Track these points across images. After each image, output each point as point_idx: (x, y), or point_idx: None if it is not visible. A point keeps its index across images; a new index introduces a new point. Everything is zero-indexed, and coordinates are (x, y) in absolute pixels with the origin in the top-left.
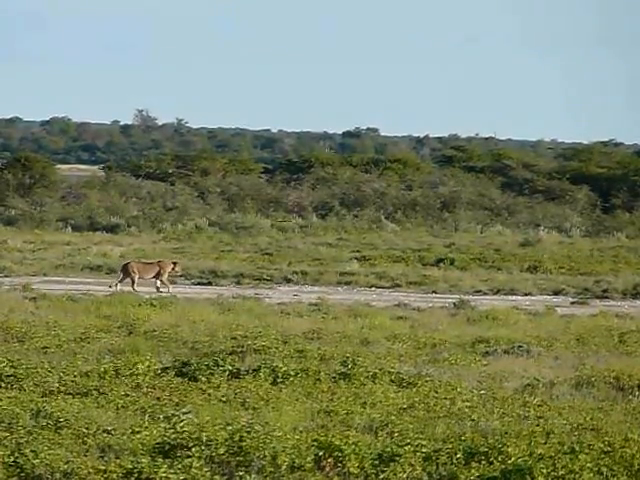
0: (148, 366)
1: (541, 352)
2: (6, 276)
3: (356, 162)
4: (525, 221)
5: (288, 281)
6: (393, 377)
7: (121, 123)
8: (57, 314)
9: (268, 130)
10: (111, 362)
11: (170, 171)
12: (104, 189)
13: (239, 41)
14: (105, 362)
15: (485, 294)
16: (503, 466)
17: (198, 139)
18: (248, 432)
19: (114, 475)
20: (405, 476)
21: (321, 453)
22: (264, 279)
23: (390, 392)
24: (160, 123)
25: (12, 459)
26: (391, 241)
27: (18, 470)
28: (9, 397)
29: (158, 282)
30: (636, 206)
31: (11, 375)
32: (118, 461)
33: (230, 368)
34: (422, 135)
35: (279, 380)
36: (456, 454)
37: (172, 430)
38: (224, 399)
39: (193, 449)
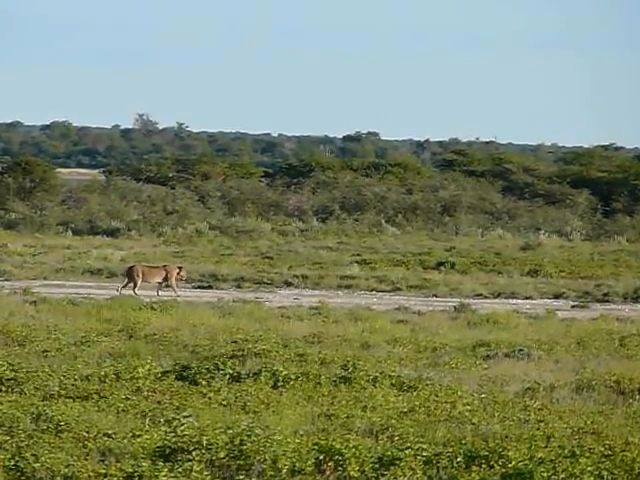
0: (149, 370)
1: (542, 356)
2: (6, 280)
3: (357, 166)
4: (526, 225)
5: (288, 285)
6: (394, 381)
7: (121, 127)
8: (57, 318)
9: (268, 134)
10: (111, 366)
11: (170, 175)
12: (104, 193)
13: (239, 45)
14: (105, 366)
15: (486, 298)
16: (504, 470)
17: (198, 143)
18: (248, 436)
19: (115, 479)
20: None
21: (321, 457)
22: (264, 283)
23: (390, 396)
24: (160, 127)
25: (13, 463)
26: (391, 245)
27: (19, 474)
28: (9, 401)
29: (167, 286)
30: (637, 210)
31: (11, 379)
32: (119, 465)
33: (230, 372)
34: (423, 139)
35: (279, 384)
36: (457, 458)
37: (173, 434)
38: (224, 403)
39: (194, 453)
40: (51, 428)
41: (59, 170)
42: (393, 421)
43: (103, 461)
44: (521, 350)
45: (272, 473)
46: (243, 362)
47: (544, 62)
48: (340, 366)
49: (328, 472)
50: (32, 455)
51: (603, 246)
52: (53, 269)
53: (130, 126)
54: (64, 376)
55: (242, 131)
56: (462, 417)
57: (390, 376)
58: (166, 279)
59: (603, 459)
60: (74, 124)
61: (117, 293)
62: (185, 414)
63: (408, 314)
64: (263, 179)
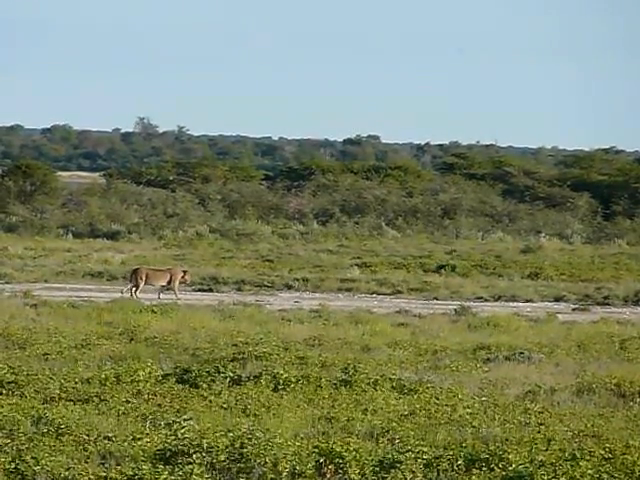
0: (149, 373)
1: (542, 359)
2: (7, 283)
3: (357, 169)
4: (526, 228)
5: (289, 288)
6: (394, 384)
7: (122, 131)
8: (58, 321)
9: (269, 137)
10: (112, 369)
11: (171, 178)
12: (105, 196)
13: (240, 48)
14: (106, 369)
15: (486, 301)
16: (504, 473)
17: (199, 146)
18: (249, 439)
19: None
20: None
21: (322, 460)
22: (265, 286)
23: (391, 399)
24: (161, 131)
25: (13, 466)
26: (392, 248)
27: (19, 477)
28: (10, 404)
29: (169, 289)
30: (637, 213)
31: (12, 382)
32: (119, 468)
33: (231, 375)
34: (423, 142)
35: (280, 387)
36: (457, 461)
37: (173, 437)
38: (225, 406)
39: (194, 456)
40: (51, 431)
41: (60, 173)
42: (394, 424)
43: (103, 464)
44: (522, 353)
45: (272, 476)
46: (244, 365)
47: (544, 65)
48: (341, 369)
49: (329, 475)
50: (32, 458)
51: (603, 249)
52: (53, 272)
53: (131, 129)
54: (64, 379)
55: (242, 134)
56: (463, 420)
57: (391, 379)
58: (170, 282)
59: (603, 462)
60: (75, 127)
61: (121, 295)
62: (186, 417)
63: (409, 317)
64: (263, 182)
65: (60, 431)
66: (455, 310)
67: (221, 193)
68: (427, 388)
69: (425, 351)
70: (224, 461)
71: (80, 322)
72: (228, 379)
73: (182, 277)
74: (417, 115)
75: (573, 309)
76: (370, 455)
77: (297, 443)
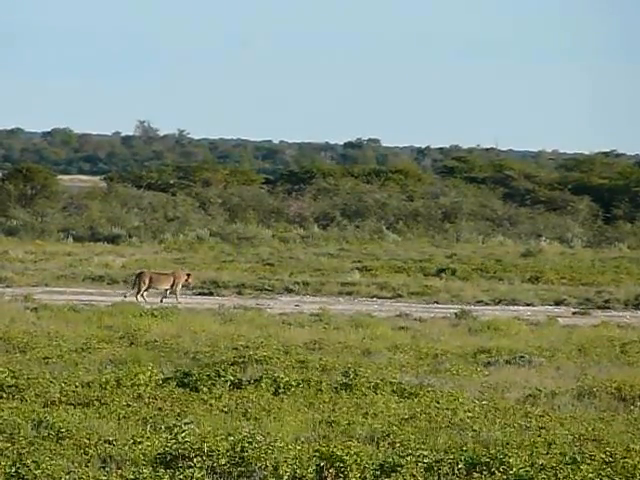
0: (150, 376)
1: (543, 362)
2: (7, 286)
3: (357, 173)
4: (527, 231)
5: (289, 291)
6: (395, 387)
7: (122, 134)
8: (58, 324)
9: (269, 141)
10: (113, 372)
11: (171, 182)
12: (105, 200)
13: (240, 52)
14: (107, 372)
15: (487, 304)
16: (505, 477)
17: (199, 150)
18: (250, 442)
19: None
20: None
21: (323, 463)
22: (265, 289)
23: (392, 402)
24: (161, 134)
25: (14, 470)
26: (392, 251)
27: None
28: (10, 407)
29: (171, 292)
30: (638, 216)
31: (12, 385)
32: (120, 471)
33: (232, 378)
34: (423, 146)
35: (281, 390)
36: (458, 464)
37: (174, 440)
38: (226, 409)
39: (195, 459)
40: (52, 435)
41: (60, 177)
42: (394, 428)
43: (104, 468)
44: (522, 357)
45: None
46: (244, 369)
47: (545, 69)
48: (341, 373)
49: (329, 479)
50: (33, 462)
51: (604, 253)
52: (54, 276)
53: (131, 133)
54: (65, 383)
55: (243, 138)
56: (463, 424)
57: (391, 383)
58: (173, 285)
59: (604, 466)
60: (75, 131)
61: (124, 298)
62: (186, 421)
63: (409, 321)
64: (264, 186)
65: (61, 435)
66: (455, 314)
67: (222, 197)
68: (428, 392)
69: (425, 355)
70: (225, 465)
71: (80, 326)
72: (229, 383)
73: (186, 280)
74: (417, 118)
75: (574, 313)
76: (371, 459)
77: (298, 447)
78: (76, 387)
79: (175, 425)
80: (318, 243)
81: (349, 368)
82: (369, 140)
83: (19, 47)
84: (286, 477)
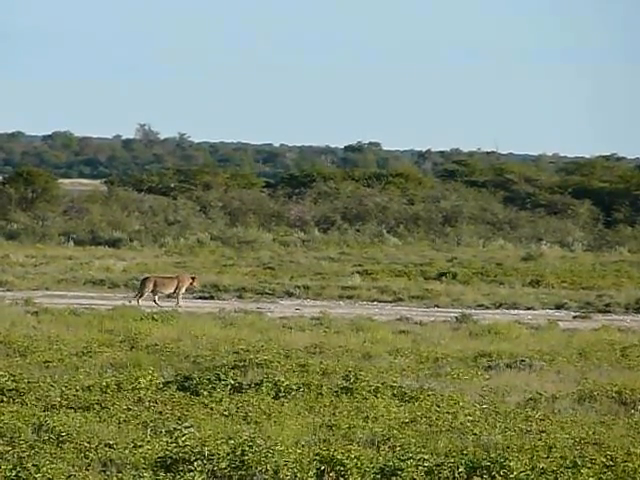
0: (150, 380)
1: (543, 366)
2: (8, 290)
3: (358, 176)
4: (527, 235)
5: (290, 295)
6: (395, 391)
7: (123, 137)
8: (59, 328)
9: (270, 144)
10: (113, 376)
11: (172, 185)
12: (106, 203)
13: (241, 55)
14: (107, 376)
15: (487, 308)
16: None
17: (200, 153)
18: (250, 446)
19: None
20: None
21: (323, 467)
22: (266, 293)
23: (392, 406)
24: (162, 137)
25: (14, 473)
26: (393, 255)
27: None
28: (11, 411)
29: (180, 296)
30: (638, 220)
31: (13, 389)
32: (120, 475)
33: (232, 382)
34: (424, 149)
35: (281, 394)
36: (458, 468)
37: (174, 444)
38: (226, 413)
39: (195, 463)
40: (52, 438)
41: (61, 180)
42: (395, 431)
43: (104, 471)
44: (523, 361)
45: None
46: (245, 373)
47: (545, 72)
48: (342, 377)
49: None
50: (33, 465)
51: (605, 256)
52: (55, 279)
53: (132, 136)
54: (66, 387)
55: (243, 141)
56: (464, 427)
57: (392, 386)
58: (177, 289)
59: (605, 470)
60: (75, 134)
61: (130, 303)
62: (187, 424)
63: (410, 325)
64: (265, 189)
65: (61, 438)
66: (456, 318)
67: (222, 200)
68: (428, 396)
69: (426, 359)
70: (225, 469)
71: (81, 330)
72: (229, 387)
73: (191, 283)
74: (418, 122)
75: (574, 317)
76: (371, 463)
77: (298, 450)
78: (77, 391)
79: (175, 429)
80: (319, 247)
81: (350, 372)
82: (370, 143)
83: (20, 50)
84: None
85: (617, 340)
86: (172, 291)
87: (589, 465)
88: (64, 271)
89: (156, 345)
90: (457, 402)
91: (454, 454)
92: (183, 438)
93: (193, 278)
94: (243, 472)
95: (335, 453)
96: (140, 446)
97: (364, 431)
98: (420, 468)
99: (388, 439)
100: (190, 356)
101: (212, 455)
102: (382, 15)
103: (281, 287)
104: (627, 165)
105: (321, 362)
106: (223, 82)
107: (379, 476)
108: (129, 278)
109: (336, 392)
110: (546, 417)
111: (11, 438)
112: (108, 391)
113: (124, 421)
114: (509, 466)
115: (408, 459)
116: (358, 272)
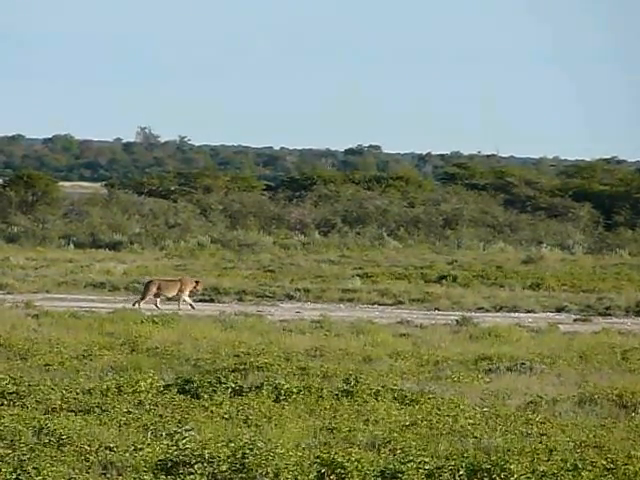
0: (150, 383)
1: (544, 369)
2: (8, 293)
3: (358, 179)
4: (527, 238)
5: (290, 298)
6: (396, 394)
7: (123, 141)
8: (59, 331)
9: (270, 147)
10: (113, 379)
11: (172, 188)
12: (106, 206)
13: (241, 58)
14: (107, 379)
15: (488, 311)
16: None
17: (200, 156)
18: (251, 449)
19: None
20: None
21: (324, 470)
22: (266, 296)
23: (393, 409)
24: (162, 141)
25: (14, 476)
26: (393, 258)
27: None
28: (11, 414)
29: (182, 299)
30: (638, 223)
31: (13, 392)
32: (120, 478)
33: (233, 385)
34: (424, 152)
35: (282, 397)
36: (459, 471)
37: (174, 447)
38: (227, 416)
39: (195, 466)
40: (53, 442)
41: (61, 183)
42: (395, 434)
43: (105, 474)
44: (523, 364)
45: None
46: (245, 375)
47: (546, 75)
48: (342, 380)
49: None
50: (34, 469)
51: (605, 259)
52: (55, 282)
53: (132, 139)
54: (66, 390)
55: (244, 144)
56: (464, 431)
57: (392, 389)
58: (180, 292)
59: (605, 473)
60: (76, 137)
61: (136, 307)
62: (187, 427)
63: (410, 327)
64: (265, 192)
65: (61, 441)
66: (456, 321)
67: (222, 203)
68: (429, 399)
69: (426, 362)
70: (226, 471)
71: (81, 333)
72: (229, 390)
73: (194, 287)
74: (418, 125)
75: (575, 320)
76: (372, 465)
77: (299, 453)
78: (77, 394)
79: (176, 432)
80: (319, 250)
81: (350, 375)
82: (370, 146)
83: (20, 53)
84: None
85: (618, 343)
86: (174, 294)
87: (590, 468)
88: (64, 274)
89: (156, 348)
90: (457, 405)
91: (454, 457)
92: (184, 441)
93: (197, 282)
94: (244, 475)
95: (335, 456)
96: (140, 449)
97: (364, 434)
98: (420, 471)
99: (388, 442)
100: (190, 359)
101: (213, 458)
102: (383, 18)
103: (281, 290)
104: (627, 168)
105: (321, 365)
106: (223, 85)
107: (379, 479)
108: (129, 281)
109: (336, 395)
110: (547, 420)
111: (11, 441)
112: (108, 394)
113: (124, 424)
114: (509, 469)
115: (408, 462)
116: (358, 275)
